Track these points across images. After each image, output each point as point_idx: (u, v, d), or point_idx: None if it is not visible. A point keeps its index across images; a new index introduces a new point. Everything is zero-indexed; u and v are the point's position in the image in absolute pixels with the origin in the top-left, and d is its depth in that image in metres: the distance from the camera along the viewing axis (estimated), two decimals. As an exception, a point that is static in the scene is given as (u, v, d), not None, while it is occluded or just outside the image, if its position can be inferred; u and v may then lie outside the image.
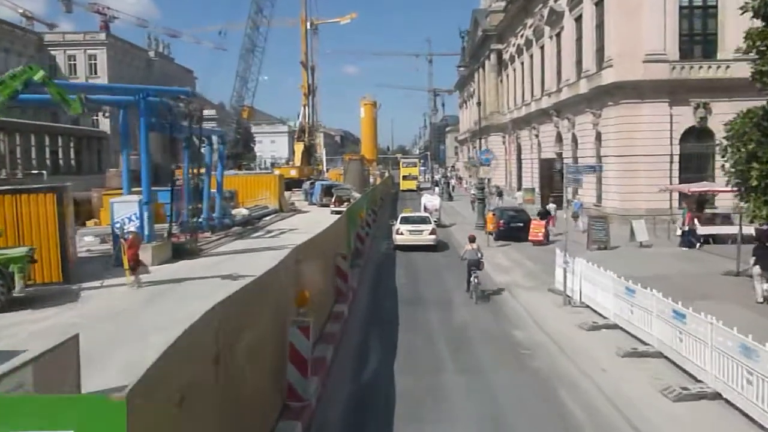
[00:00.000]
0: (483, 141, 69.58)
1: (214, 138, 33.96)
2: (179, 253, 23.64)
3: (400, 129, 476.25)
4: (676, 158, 32.42)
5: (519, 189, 54.89)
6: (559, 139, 45.10)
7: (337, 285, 16.33)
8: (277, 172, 70.33)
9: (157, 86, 32.81)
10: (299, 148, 74.27)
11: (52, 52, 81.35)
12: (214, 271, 19.94)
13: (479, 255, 17.30)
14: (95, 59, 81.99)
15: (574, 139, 40.30)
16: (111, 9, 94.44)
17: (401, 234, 26.78)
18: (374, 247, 27.77)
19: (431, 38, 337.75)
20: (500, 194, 53.57)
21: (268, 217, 40.41)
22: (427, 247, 26.32)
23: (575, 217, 33.07)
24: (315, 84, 76.76)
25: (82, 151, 62.74)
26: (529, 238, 26.63)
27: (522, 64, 57.27)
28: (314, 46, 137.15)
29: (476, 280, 16.95)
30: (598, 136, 36.01)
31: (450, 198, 58.81)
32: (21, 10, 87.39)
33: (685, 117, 32.42)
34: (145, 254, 21.47)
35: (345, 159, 61.45)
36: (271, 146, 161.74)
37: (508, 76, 64.36)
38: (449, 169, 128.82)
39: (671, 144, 32.34)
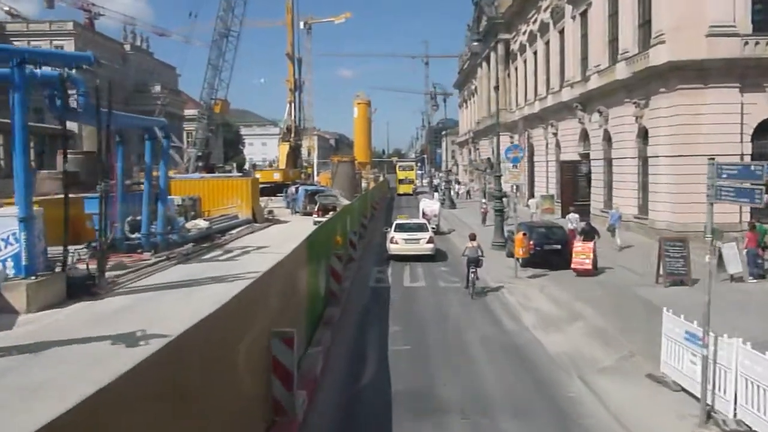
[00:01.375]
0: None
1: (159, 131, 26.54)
2: (76, 289, 16.45)
3: (395, 133, 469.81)
4: (748, 159, 25.34)
5: (531, 195, 47.88)
6: (584, 137, 38.12)
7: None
8: (257, 175, 63.57)
9: (47, 50, 25.53)
10: (284, 149, 67.20)
11: (16, 43, 74.21)
12: (103, 329, 12.76)
13: (479, 253, 17.64)
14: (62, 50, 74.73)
15: (607, 137, 33.28)
16: (96, 6, 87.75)
17: (396, 243, 24.24)
18: (359, 280, 20.43)
19: (428, 41, 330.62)
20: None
21: (235, 230, 33.30)
22: (425, 257, 23.85)
23: (611, 231, 26.22)
24: (302, 79, 69.81)
25: (45, 151, 55.55)
26: (573, 266, 19.51)
27: (535, 53, 50.31)
28: (308, 46, 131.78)
29: (474, 275, 17.43)
30: (643, 132, 29.01)
31: (452, 205, 51.77)
32: (7, 8, 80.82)
33: (760, 106, 25.42)
34: (13, 295, 14.44)
35: (333, 161, 54.37)
36: (263, 148, 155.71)
37: (517, 68, 57.39)
38: (448, 172, 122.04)
39: (741, 141, 25.32)
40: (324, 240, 14.54)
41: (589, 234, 20.87)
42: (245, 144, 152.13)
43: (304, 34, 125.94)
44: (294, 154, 67.81)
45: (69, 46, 74.44)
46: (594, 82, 34.43)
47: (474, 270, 17.35)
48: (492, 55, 63.21)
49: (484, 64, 69.21)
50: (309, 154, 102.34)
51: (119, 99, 77.92)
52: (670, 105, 26.07)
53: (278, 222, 41.36)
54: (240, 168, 76.37)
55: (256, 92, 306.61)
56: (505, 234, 25.44)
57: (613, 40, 32.99)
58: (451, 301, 16.96)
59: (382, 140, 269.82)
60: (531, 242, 20.47)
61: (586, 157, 37.71)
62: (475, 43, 24.97)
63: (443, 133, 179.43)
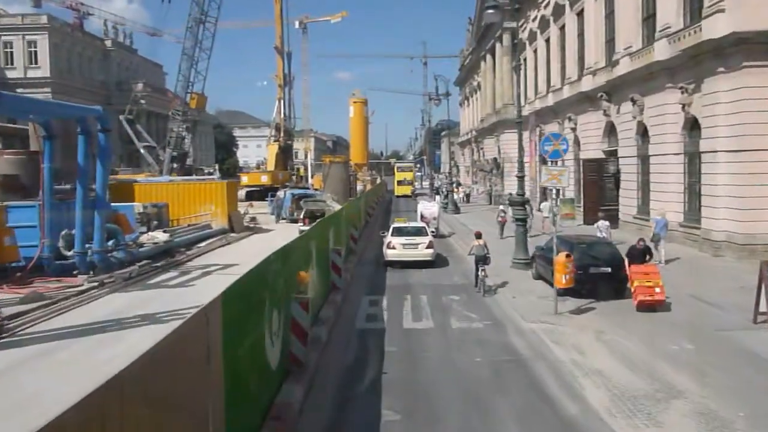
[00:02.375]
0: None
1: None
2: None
3: (394, 135, 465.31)
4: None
5: (544, 198, 42.87)
6: (610, 131, 33.22)
7: None
8: (243, 178, 58.69)
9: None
10: (273, 149, 62.18)
11: (-18, 36, 69.44)
12: None
13: (486, 251, 17.67)
14: (35, 46, 69.81)
15: (642, 130, 28.30)
16: (86, 5, 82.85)
17: (393, 248, 22.63)
18: (344, 319, 15.10)
19: (426, 41, 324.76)
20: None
21: (204, 243, 28.34)
22: (424, 263, 22.23)
23: (656, 241, 21.32)
24: (293, 76, 64.80)
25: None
26: (637, 298, 14.32)
27: (547, 41, 45.39)
28: (303, 45, 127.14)
29: (483, 273, 17.47)
30: (691, 123, 24.07)
31: (456, 209, 46.71)
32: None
33: None
34: None
35: (325, 162, 49.32)
36: (258, 150, 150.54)
37: (525, 59, 52.35)
38: (451, 173, 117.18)
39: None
40: (275, 283, 9.42)
41: (641, 256, 15.77)
42: (239, 146, 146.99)
43: (299, 33, 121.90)
44: (284, 155, 62.79)
45: (43, 42, 69.55)
46: (624, 67, 29.46)
47: (483, 268, 17.50)
48: (497, 46, 58.27)
49: (488, 57, 64.29)
50: (306, 156, 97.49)
51: (100, 96, 73.22)
52: (732, 88, 21.07)
53: (261, 230, 36.47)
54: (226, 171, 71.45)
55: (251, 93, 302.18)
56: (531, 250, 20.41)
57: (649, 17, 28.05)
58: (472, 354, 11.89)
59: (380, 142, 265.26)
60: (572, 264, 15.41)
61: (612, 154, 32.78)
62: (491, 11, 20.17)
63: (442, 134, 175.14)
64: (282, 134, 62.89)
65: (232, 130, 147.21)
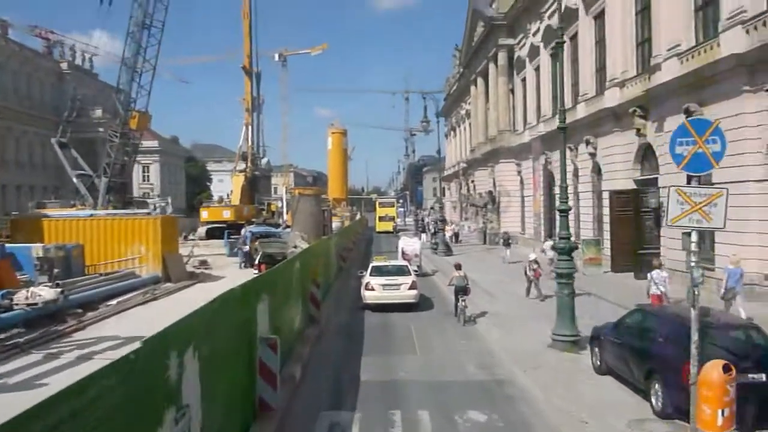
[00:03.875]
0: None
1: None
2: None
3: (375, 172, 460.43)
4: None
5: (549, 236, 36.17)
6: (645, 155, 26.66)
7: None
8: (204, 213, 51.49)
9: None
10: (238, 181, 55.15)
11: None
12: None
13: (466, 282, 18.03)
14: (-27, 65, 62.51)
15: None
16: (55, 33, 76.26)
17: (372, 289, 20.08)
18: None
19: (408, 77, 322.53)
20: (508, 243, 35.32)
21: (123, 298, 21.16)
22: (406, 306, 19.77)
23: (729, 299, 14.68)
24: (262, 97, 58.02)
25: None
26: None
27: (552, 55, 39.03)
28: (283, 79, 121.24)
29: (464, 303, 17.69)
30: (786, 137, 17.47)
31: (448, 250, 39.64)
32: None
33: None
34: None
35: (293, 194, 42.08)
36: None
37: (525, 79, 46.15)
38: (438, 208, 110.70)
39: None
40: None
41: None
42: (212, 180, 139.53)
43: (278, 66, 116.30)
44: (250, 187, 55.70)
45: (-18, 60, 62.28)
46: (669, 72, 22.95)
47: (464, 298, 17.79)
48: (490, 67, 52.07)
49: (479, 80, 58.12)
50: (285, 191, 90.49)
51: (50, 123, 65.77)
52: None
53: (209, 278, 29.31)
54: (192, 206, 63.97)
55: (231, 127, 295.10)
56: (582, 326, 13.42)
57: (706, 4, 21.67)
58: None
59: (361, 178, 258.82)
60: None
61: (648, 183, 26.16)
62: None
63: (425, 169, 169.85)
64: (249, 163, 55.90)
65: (206, 164, 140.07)
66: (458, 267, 18.86)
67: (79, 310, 18.76)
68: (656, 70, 24.24)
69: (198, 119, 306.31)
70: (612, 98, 28.60)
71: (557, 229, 37.06)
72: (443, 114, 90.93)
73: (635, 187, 27.09)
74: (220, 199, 55.44)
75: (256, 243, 27.58)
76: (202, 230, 51.87)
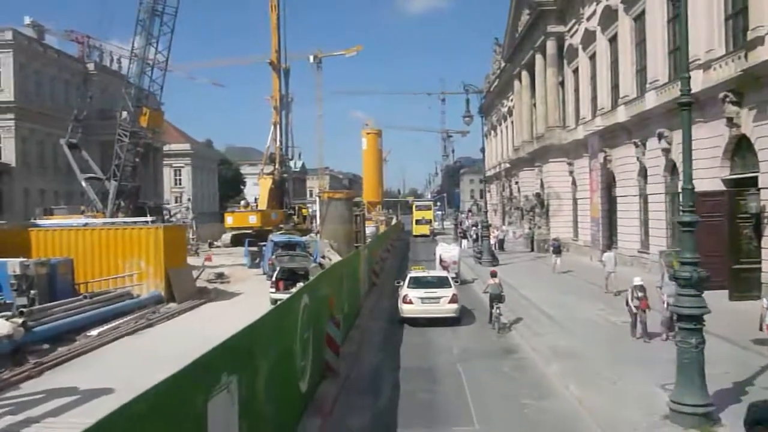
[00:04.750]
0: (538, 170, 46.72)
1: None
2: None
3: (411, 174, 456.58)
4: None
5: (608, 247, 31.66)
6: (737, 149, 22.19)
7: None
8: (228, 218, 48.13)
9: None
10: (265, 184, 51.58)
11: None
12: None
13: (500, 289, 18.05)
14: (-1, 66, 60.36)
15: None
16: (92, 38, 74.51)
17: (409, 302, 18.76)
18: None
19: (445, 78, 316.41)
20: (558, 250, 31.02)
21: (96, 331, 17.56)
22: (447, 320, 18.42)
23: None
24: (291, 95, 54.45)
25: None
26: None
27: (611, 40, 34.63)
28: (318, 81, 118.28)
29: (498, 311, 17.74)
30: None
31: (494, 260, 35.27)
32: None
33: None
34: None
35: (322, 197, 38.29)
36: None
37: (577, 70, 41.64)
38: (483, 211, 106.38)
39: None
40: None
41: None
42: (246, 183, 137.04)
43: (313, 68, 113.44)
44: (279, 190, 52.13)
45: (6, 61, 60.11)
46: (777, 47, 18.50)
47: (498, 306, 17.77)
48: (537, 58, 47.61)
49: (524, 74, 53.62)
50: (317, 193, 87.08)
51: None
52: None
53: (224, 295, 25.74)
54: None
55: (263, 130, 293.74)
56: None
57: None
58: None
59: (397, 181, 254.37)
60: None
61: (742, 183, 21.65)
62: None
63: (461, 171, 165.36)
64: (277, 165, 52.34)
65: (240, 167, 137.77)
66: (494, 275, 19.26)
67: (45, 346, 15.18)
68: (756, 45, 19.75)
69: (233, 122, 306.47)
70: (694, 82, 24.01)
71: (617, 236, 32.67)
72: (482, 112, 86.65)
73: (724, 188, 22.58)
74: (247, 204, 51.94)
75: (273, 256, 23.73)
76: (227, 237, 48.51)
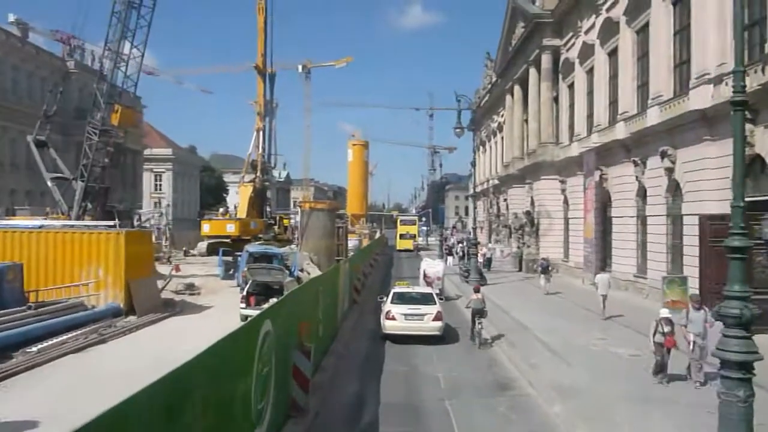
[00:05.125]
0: (529, 187, 45.15)
1: None
2: None
3: (396, 189, 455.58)
4: None
5: (602, 269, 30.00)
6: (752, 169, 20.65)
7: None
8: (205, 226, 46.10)
9: None
10: (245, 192, 49.53)
11: None
12: None
13: (483, 305, 18.10)
14: (-31, 61, 58.02)
15: None
16: (77, 38, 71.95)
17: (393, 319, 18.15)
18: None
19: (433, 93, 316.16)
20: (546, 271, 29.43)
21: (36, 347, 15.58)
22: (430, 338, 17.79)
23: None
24: (276, 101, 52.60)
25: None
26: None
27: (611, 54, 33.24)
28: (307, 91, 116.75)
29: (480, 326, 17.74)
30: None
31: (482, 279, 33.43)
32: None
33: None
34: None
35: (303, 208, 36.33)
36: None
37: (572, 85, 40.24)
38: (454, 229, 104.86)
39: None
40: None
41: None
42: (229, 191, 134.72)
43: (302, 78, 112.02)
44: (260, 199, 50.17)
45: (-18, 54, 57.79)
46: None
47: (480, 321, 17.79)
48: (531, 72, 46.26)
49: (516, 88, 52.24)
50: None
51: (52, 124, 61.04)
52: None
53: (191, 308, 23.78)
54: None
55: (248, 138, 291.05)
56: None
57: None
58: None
59: (383, 195, 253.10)
60: None
61: (750, 207, 20.04)
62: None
63: (447, 187, 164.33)
64: (258, 172, 50.42)
65: (224, 174, 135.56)
66: (476, 290, 19.39)
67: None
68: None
69: (219, 130, 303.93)
70: (701, 98, 22.58)
71: (612, 260, 31.07)
72: (471, 128, 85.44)
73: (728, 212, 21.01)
74: (225, 211, 49.89)
75: (245, 269, 21.77)
76: (202, 245, 46.44)
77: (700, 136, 22.78)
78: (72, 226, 23.70)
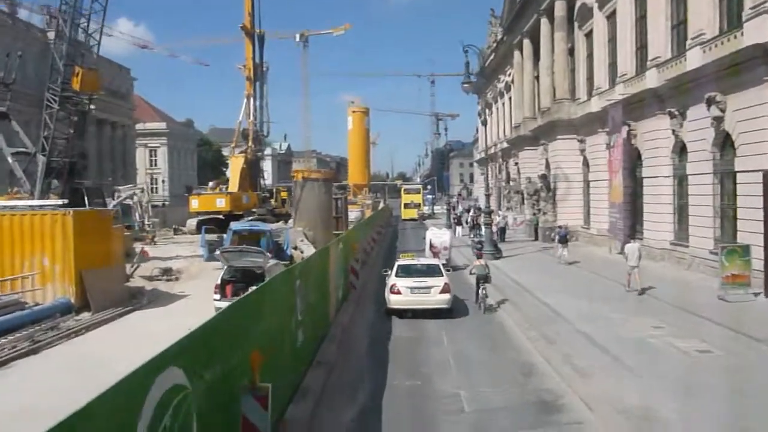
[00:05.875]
0: (544, 148, 41.36)
1: None
2: None
3: (400, 158, 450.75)
4: None
5: (632, 237, 26.31)
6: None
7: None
8: (194, 201, 42.81)
9: None
10: (237, 163, 46.14)
11: None
12: None
13: (487, 270, 18.23)
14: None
15: None
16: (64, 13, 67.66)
17: (398, 293, 17.20)
18: None
19: (435, 59, 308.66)
20: (565, 240, 26.07)
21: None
22: (438, 312, 16.88)
23: None
24: (266, 64, 48.66)
25: None
26: None
27: (637, -8, 29.28)
28: (305, 60, 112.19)
29: (484, 292, 17.82)
30: None
31: (497, 251, 30.13)
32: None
33: None
34: None
35: (296, 178, 32.97)
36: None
37: (590, 33, 36.23)
38: (459, 196, 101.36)
39: None
40: None
41: None
42: (228, 165, 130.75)
43: (300, 48, 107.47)
44: (252, 170, 46.71)
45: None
46: None
47: (484, 286, 17.86)
48: (542, 23, 42.23)
49: (526, 42, 48.14)
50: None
51: (33, 98, 57.30)
52: None
53: (161, 298, 20.45)
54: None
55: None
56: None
57: None
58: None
59: (386, 165, 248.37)
60: None
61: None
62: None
63: (451, 154, 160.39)
64: (250, 143, 46.86)
65: (223, 148, 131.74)
66: (479, 256, 20.28)
67: None
68: None
69: (218, 103, 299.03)
70: (760, 31, 18.80)
71: (643, 226, 27.54)
72: (475, 91, 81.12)
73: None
74: (216, 185, 46.39)
75: (218, 252, 18.27)
76: (192, 223, 43.09)
77: (759, 76, 18.99)
78: (13, 207, 20.24)
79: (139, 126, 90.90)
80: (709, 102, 21.49)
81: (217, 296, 16.47)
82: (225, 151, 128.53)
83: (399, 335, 15.29)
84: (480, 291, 17.92)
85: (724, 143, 21.68)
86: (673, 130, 25.13)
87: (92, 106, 29.48)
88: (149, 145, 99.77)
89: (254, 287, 13.84)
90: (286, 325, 9.13)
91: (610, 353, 12.45)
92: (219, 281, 16.79)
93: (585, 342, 13.51)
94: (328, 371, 11.26)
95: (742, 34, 19.72)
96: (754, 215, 18.85)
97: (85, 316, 16.75)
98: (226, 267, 17.25)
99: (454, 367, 12.19)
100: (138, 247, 28.23)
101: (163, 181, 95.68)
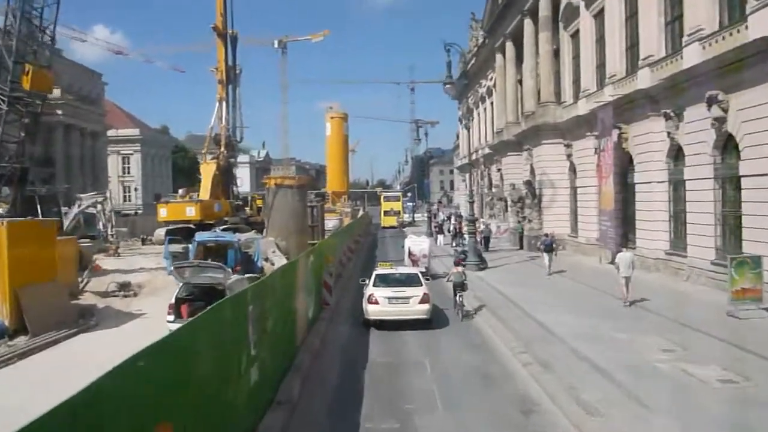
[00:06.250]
0: (529, 153, 39.82)
1: None
2: None
3: (380, 166, 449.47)
4: None
5: (625, 246, 24.73)
6: None
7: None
8: (162, 210, 40.69)
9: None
10: (208, 170, 43.88)
11: None
12: None
13: (464, 277, 18.31)
14: None
15: None
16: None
17: (375, 303, 16.75)
18: None
19: (414, 66, 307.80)
20: (551, 248, 24.51)
21: None
22: (417, 322, 16.40)
23: None
24: (239, 66, 46.68)
25: None
26: None
27: (627, -11, 27.85)
28: (283, 68, 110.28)
29: (461, 299, 17.95)
30: None
31: (481, 262, 28.58)
32: None
33: None
34: None
35: (268, 185, 30.74)
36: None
37: (576, 33, 34.85)
38: (439, 203, 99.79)
39: None
40: None
41: None
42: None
43: (278, 54, 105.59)
44: (224, 177, 44.64)
45: None
46: None
47: (461, 294, 17.99)
48: (526, 23, 40.84)
49: (508, 45, 46.72)
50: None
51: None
52: None
53: (113, 318, 18.47)
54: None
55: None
56: None
57: None
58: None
59: (366, 173, 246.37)
60: None
61: None
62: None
63: (431, 161, 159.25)
64: (223, 148, 44.81)
65: (198, 155, 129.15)
66: (457, 264, 20.46)
67: None
68: None
69: (194, 110, 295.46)
70: (766, 24, 17.35)
71: (636, 234, 26.02)
72: (456, 97, 79.72)
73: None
74: (186, 192, 44.27)
75: (182, 270, 16.29)
76: (160, 232, 40.85)
77: (766, 72, 17.54)
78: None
79: (111, 132, 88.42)
80: (710, 101, 20.00)
81: (171, 317, 14.57)
82: (201, 159, 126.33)
83: (375, 360, 13.49)
84: (457, 298, 18.09)
85: (726, 145, 20.20)
86: (669, 133, 23.65)
87: (58, 111, 27.52)
88: (122, 152, 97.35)
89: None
90: (232, 366, 7.28)
91: (617, 383, 10.75)
92: (173, 300, 14.89)
93: (587, 369, 11.81)
94: (288, 412, 9.41)
95: (746, 27, 18.28)
96: (762, 223, 17.39)
97: (21, 340, 14.75)
98: (180, 285, 15.35)
99: (440, 402, 10.40)
100: (99, 258, 26.13)
101: (135, 189, 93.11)
